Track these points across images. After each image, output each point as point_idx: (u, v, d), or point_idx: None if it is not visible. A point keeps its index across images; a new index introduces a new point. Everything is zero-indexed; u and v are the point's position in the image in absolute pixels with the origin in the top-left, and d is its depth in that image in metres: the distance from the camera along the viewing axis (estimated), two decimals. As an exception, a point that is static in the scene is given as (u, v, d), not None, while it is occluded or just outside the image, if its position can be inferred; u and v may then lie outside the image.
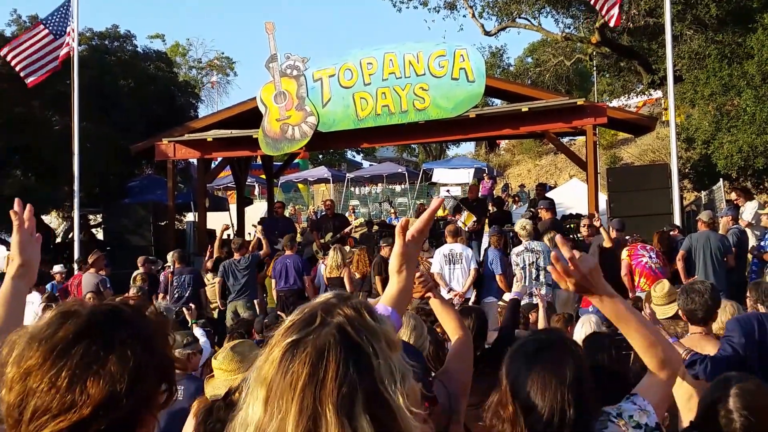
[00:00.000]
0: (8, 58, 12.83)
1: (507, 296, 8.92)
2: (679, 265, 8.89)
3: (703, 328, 3.95)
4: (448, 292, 9.15)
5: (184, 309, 7.85)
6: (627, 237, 9.33)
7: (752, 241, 10.01)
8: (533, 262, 9.05)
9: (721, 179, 13.81)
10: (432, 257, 10.30)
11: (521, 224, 9.73)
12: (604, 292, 1.80)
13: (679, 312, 4.14)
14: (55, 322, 1.21)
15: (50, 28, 13.05)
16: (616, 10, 11.77)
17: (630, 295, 8.38)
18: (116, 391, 1.16)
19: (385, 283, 9.43)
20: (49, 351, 1.17)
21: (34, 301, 10.79)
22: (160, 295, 10.29)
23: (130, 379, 1.17)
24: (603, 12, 12.05)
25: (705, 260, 8.83)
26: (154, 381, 1.23)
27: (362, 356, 1.13)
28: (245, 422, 1.15)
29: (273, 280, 10.19)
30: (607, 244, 9.25)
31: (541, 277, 8.98)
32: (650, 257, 8.62)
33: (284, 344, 1.15)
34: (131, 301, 1.32)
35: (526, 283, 9.07)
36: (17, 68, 12.84)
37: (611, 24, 12.89)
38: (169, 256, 10.84)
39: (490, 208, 14.88)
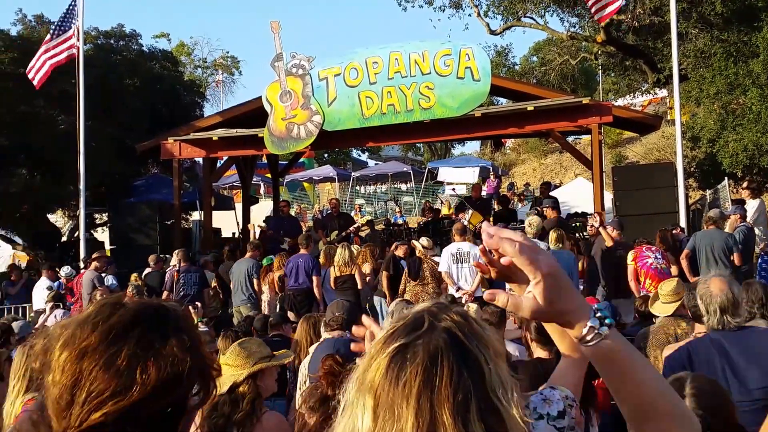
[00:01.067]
0: (28, 70, 13.06)
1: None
2: (683, 263, 8.87)
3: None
4: (457, 291, 9.17)
5: (190, 307, 7.89)
6: (633, 241, 9.29)
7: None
8: None
9: (726, 178, 13.79)
10: (437, 256, 10.31)
11: (528, 221, 9.73)
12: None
13: (686, 311, 4.13)
14: (105, 310, 1.22)
15: (54, 31, 13.13)
16: (609, 9, 11.79)
17: (636, 296, 8.38)
18: (177, 372, 1.18)
19: (390, 280, 9.49)
20: (106, 332, 1.17)
21: (42, 286, 10.85)
22: (164, 293, 10.33)
23: (184, 368, 1.19)
24: (594, 9, 12.06)
25: (708, 258, 8.81)
26: (197, 379, 1.24)
27: (474, 363, 1.08)
28: None
29: (285, 279, 10.17)
30: (608, 243, 9.25)
31: None
32: (656, 258, 8.60)
33: (391, 349, 1.09)
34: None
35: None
36: (30, 75, 13.01)
37: (596, 18, 12.88)
38: (174, 256, 10.89)
39: (495, 206, 14.90)
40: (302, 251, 10.25)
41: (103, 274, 10.64)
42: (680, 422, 1.24)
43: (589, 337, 1.20)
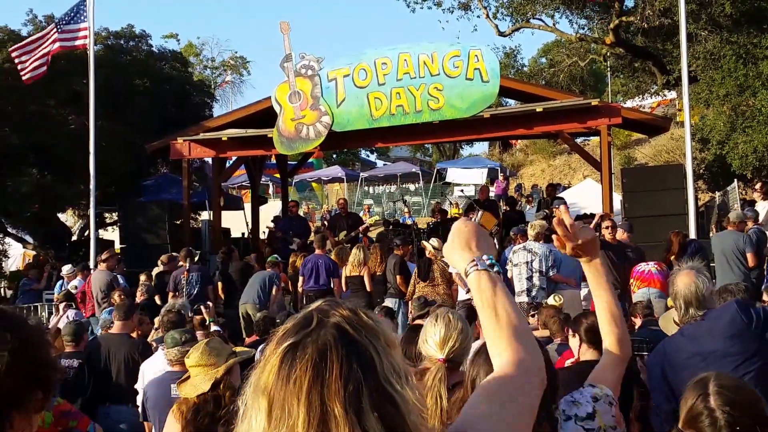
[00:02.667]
0: (14, 56, 12.95)
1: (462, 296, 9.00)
2: None
3: None
4: (467, 292, 9.16)
5: (202, 307, 7.92)
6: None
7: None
8: (527, 262, 8.98)
9: (735, 180, 13.75)
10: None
11: (532, 224, 9.74)
12: (595, 256, 2.02)
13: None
14: None
15: (57, 28, 13.19)
16: None
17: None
18: None
19: (406, 282, 9.50)
20: None
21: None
22: (169, 294, 10.37)
23: (7, 359, 1.19)
24: None
25: (720, 260, 8.81)
26: (30, 381, 1.23)
27: (364, 354, 1.11)
28: None
29: (300, 278, 10.17)
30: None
31: (535, 279, 8.90)
32: (648, 264, 8.56)
33: (281, 349, 1.12)
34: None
35: (515, 283, 9.05)
36: (18, 67, 12.97)
37: None
38: (181, 254, 10.92)
39: (503, 208, 14.90)
40: (318, 252, 10.29)
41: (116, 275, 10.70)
42: (523, 347, 1.40)
43: (468, 268, 1.49)
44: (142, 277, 10.50)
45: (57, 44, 13.01)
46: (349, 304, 1.21)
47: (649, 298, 7.12)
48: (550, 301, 7.76)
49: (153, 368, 5.23)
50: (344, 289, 9.93)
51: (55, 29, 13.12)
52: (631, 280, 8.45)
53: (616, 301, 2.03)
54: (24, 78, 12.94)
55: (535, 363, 1.39)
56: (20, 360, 1.21)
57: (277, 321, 7.36)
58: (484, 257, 1.50)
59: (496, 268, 1.50)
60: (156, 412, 4.69)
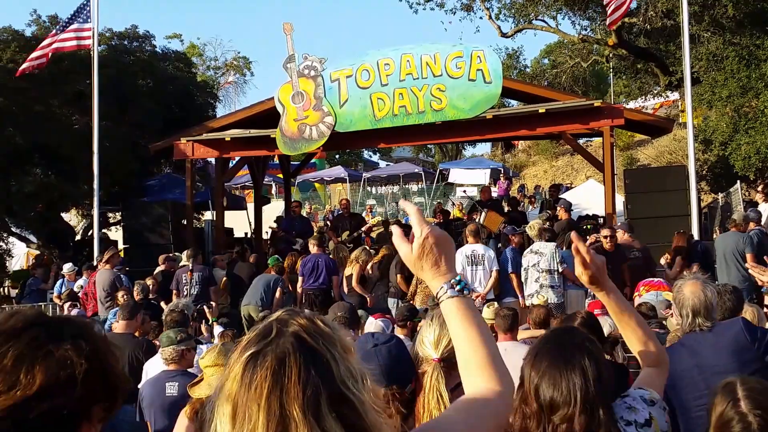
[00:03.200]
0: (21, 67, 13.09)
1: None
2: None
3: None
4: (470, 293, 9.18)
5: (204, 308, 7.96)
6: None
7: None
8: (535, 264, 9.04)
9: (738, 181, 13.76)
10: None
11: (530, 224, 9.77)
12: (610, 288, 1.98)
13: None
14: (5, 316, 1.25)
15: (59, 29, 13.25)
16: (618, 14, 11.80)
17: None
18: (69, 375, 1.18)
19: (407, 281, 9.51)
20: None
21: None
22: (174, 293, 10.41)
23: (79, 370, 1.19)
24: (610, 10, 12.05)
25: (721, 261, 8.82)
26: (100, 387, 1.24)
27: (321, 360, 1.18)
28: None
29: (300, 278, 10.17)
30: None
31: (542, 279, 8.93)
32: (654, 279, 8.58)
33: (244, 358, 1.18)
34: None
35: (526, 284, 9.09)
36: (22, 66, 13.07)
37: (608, 23, 12.91)
38: (185, 255, 10.96)
39: (505, 208, 14.91)
40: (317, 251, 10.27)
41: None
42: (497, 376, 1.46)
43: (439, 294, 1.52)
44: (150, 281, 10.49)
45: (60, 44, 13.06)
46: (308, 312, 1.28)
47: (658, 300, 7.12)
48: (535, 300, 7.80)
49: (156, 368, 5.26)
50: (345, 288, 9.96)
51: (57, 32, 13.18)
52: (641, 289, 8.46)
53: (641, 320, 2.02)
54: (18, 69, 13.02)
55: (508, 391, 1.48)
56: (92, 368, 1.21)
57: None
58: (452, 280, 1.51)
59: (466, 290, 1.52)
60: (151, 411, 4.72)
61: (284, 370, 1.15)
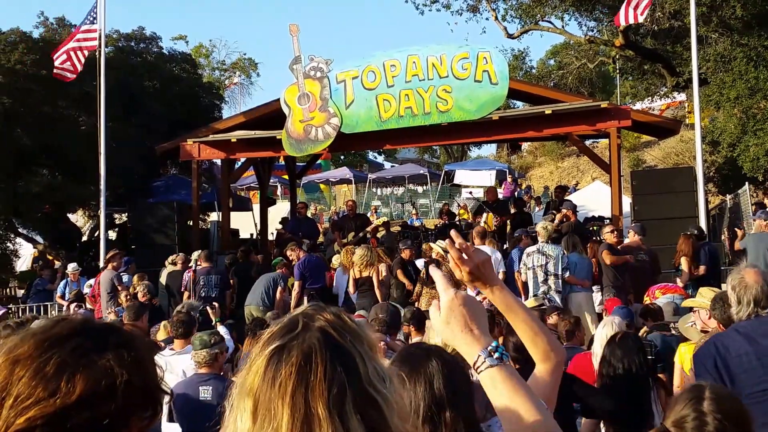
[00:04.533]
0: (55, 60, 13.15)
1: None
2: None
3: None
4: (476, 295, 9.13)
5: (207, 308, 7.95)
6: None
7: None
8: (542, 265, 8.98)
9: (747, 183, 13.69)
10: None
11: (542, 224, 9.70)
12: (494, 283, 1.79)
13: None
14: (50, 324, 1.24)
15: (81, 24, 13.31)
16: (638, 11, 11.67)
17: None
18: (110, 384, 1.16)
19: (407, 276, 9.49)
20: (42, 341, 1.18)
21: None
22: (185, 294, 10.41)
23: (119, 381, 1.17)
24: (630, 7, 11.83)
25: (758, 260, 8.76)
26: (140, 398, 1.22)
27: (348, 358, 1.14)
28: None
29: (297, 281, 10.17)
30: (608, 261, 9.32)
31: (549, 282, 8.90)
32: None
33: (268, 352, 1.15)
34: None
35: (530, 286, 9.03)
36: (58, 65, 13.12)
37: (622, 22, 12.73)
38: (194, 255, 10.95)
39: (511, 209, 14.87)
40: (303, 254, 10.38)
41: (121, 273, 10.76)
42: None
43: (477, 364, 1.44)
44: (135, 279, 10.46)
45: (86, 43, 13.13)
46: (334, 308, 1.24)
47: (675, 303, 7.11)
48: (529, 302, 7.76)
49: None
50: (353, 290, 9.94)
51: (75, 32, 13.24)
52: (653, 291, 8.43)
53: (532, 314, 1.88)
54: (71, 76, 13.12)
55: None
56: (133, 379, 1.19)
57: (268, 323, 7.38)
58: (491, 347, 1.44)
59: (505, 357, 1.45)
60: (183, 415, 4.68)
61: (310, 367, 1.11)
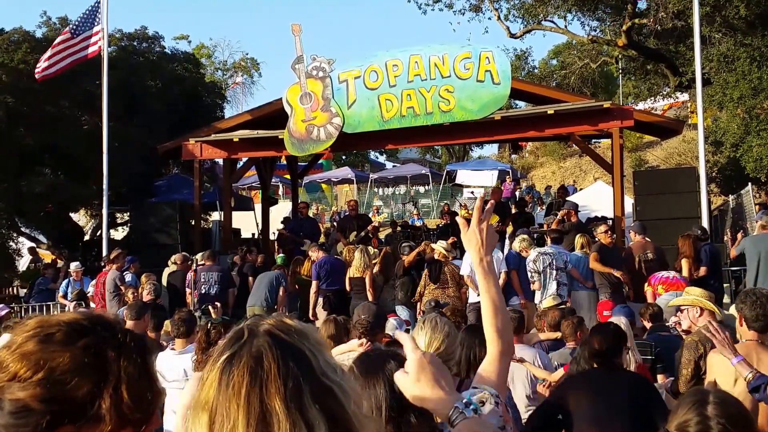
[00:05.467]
0: (39, 68, 13.10)
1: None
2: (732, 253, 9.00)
3: (760, 336, 3.83)
4: (478, 295, 9.14)
5: (210, 307, 7.95)
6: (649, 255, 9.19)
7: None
8: (549, 264, 9.09)
9: (749, 183, 13.66)
10: (457, 259, 10.28)
11: (518, 239, 9.85)
12: (488, 252, 1.93)
13: (738, 317, 4.03)
14: (50, 320, 1.26)
15: (72, 30, 13.27)
16: None
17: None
18: (90, 368, 1.19)
19: (405, 285, 9.50)
20: (46, 337, 1.21)
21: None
22: (188, 292, 10.42)
23: (136, 369, 1.22)
24: None
25: (761, 261, 8.73)
26: (143, 401, 1.25)
27: (299, 353, 1.17)
28: None
29: (314, 281, 10.13)
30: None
31: (559, 277, 9.05)
32: (669, 272, 8.52)
33: (219, 363, 1.17)
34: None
35: (545, 286, 9.06)
36: (37, 67, 13.09)
37: None
38: (199, 255, 10.96)
39: (512, 210, 14.86)
40: (322, 254, 10.33)
41: (124, 273, 10.77)
42: None
43: (453, 417, 1.47)
44: (143, 278, 10.47)
45: (74, 57, 13.10)
46: (275, 314, 1.31)
47: (666, 307, 7.10)
48: (546, 303, 7.79)
49: (160, 366, 5.24)
50: (348, 290, 9.98)
51: (71, 36, 13.19)
52: (655, 286, 8.42)
53: (500, 293, 1.94)
54: (37, 76, 13.04)
55: None
56: (140, 376, 1.24)
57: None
58: (465, 400, 1.50)
59: (478, 410, 1.51)
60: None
61: (262, 366, 1.13)
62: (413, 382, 1.51)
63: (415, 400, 1.53)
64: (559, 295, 8.54)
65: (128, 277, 10.77)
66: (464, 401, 1.48)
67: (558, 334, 6.20)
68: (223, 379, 1.14)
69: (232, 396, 1.12)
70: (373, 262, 10.29)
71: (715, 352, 3.99)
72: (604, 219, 13.57)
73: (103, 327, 1.26)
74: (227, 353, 1.17)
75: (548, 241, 9.96)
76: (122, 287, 10.05)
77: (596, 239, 9.80)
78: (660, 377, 5.51)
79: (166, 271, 11.28)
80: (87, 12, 13.40)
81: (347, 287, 9.99)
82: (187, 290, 10.40)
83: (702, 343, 4.38)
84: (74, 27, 13.37)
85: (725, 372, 3.64)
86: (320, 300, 9.95)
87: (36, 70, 13.07)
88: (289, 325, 1.22)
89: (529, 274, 9.27)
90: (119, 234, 17.93)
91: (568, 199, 13.71)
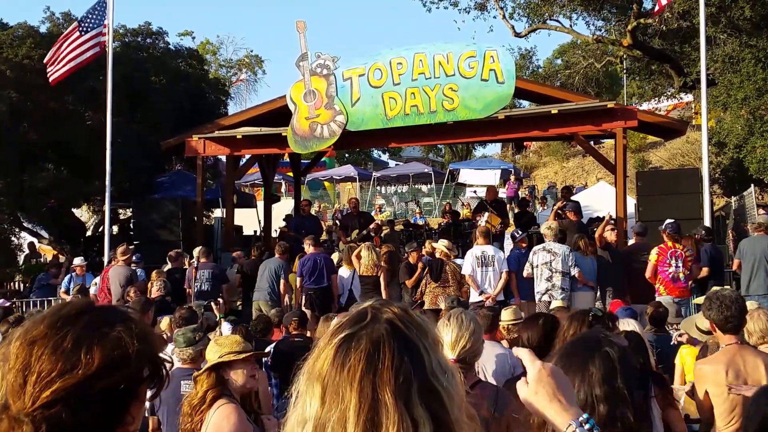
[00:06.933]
0: (47, 62, 13.12)
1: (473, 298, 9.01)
2: (735, 265, 8.97)
3: (737, 337, 3.78)
4: (480, 294, 9.13)
5: (212, 304, 7.96)
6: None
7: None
8: (547, 263, 8.97)
9: (752, 184, 13.63)
10: (458, 258, 10.27)
11: (547, 224, 9.68)
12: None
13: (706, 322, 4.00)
14: (56, 307, 1.34)
15: (81, 27, 13.26)
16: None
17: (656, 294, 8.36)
18: (124, 353, 1.26)
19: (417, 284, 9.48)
20: (54, 322, 1.28)
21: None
22: (188, 290, 10.43)
23: (132, 350, 1.27)
24: None
25: (755, 265, 8.73)
26: (148, 366, 1.31)
27: (414, 349, 1.18)
28: (303, 419, 1.19)
29: (298, 278, 10.11)
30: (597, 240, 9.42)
31: (554, 280, 8.88)
32: (676, 266, 8.52)
33: (337, 340, 1.20)
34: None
35: (536, 284, 9.01)
36: (48, 70, 13.10)
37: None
38: (195, 252, 11.00)
39: (515, 209, 14.85)
40: (314, 250, 10.17)
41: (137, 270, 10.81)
42: None
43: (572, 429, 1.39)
44: (154, 275, 10.52)
45: (85, 56, 13.10)
46: (400, 303, 1.30)
47: (677, 305, 7.14)
48: (551, 301, 7.77)
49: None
50: (335, 289, 9.92)
51: (78, 32, 13.17)
52: (657, 283, 8.44)
53: None
54: (50, 79, 13.08)
55: None
56: (142, 349, 1.29)
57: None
58: (582, 418, 1.42)
59: (596, 429, 1.43)
60: (164, 409, 4.71)
61: (378, 355, 1.15)
62: (532, 395, 1.46)
63: (534, 412, 1.49)
64: (549, 295, 8.54)
65: (139, 271, 10.83)
66: (581, 419, 1.43)
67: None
68: (338, 356, 1.17)
69: (347, 378, 1.15)
70: (384, 256, 10.25)
71: (703, 362, 3.96)
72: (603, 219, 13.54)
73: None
74: (347, 331, 1.20)
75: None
76: (133, 286, 9.95)
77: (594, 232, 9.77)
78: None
79: (165, 268, 11.29)
80: (94, 8, 13.40)
81: (334, 286, 9.89)
82: (187, 287, 10.40)
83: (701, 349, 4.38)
84: (82, 23, 13.36)
85: (715, 382, 3.62)
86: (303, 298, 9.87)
87: (48, 73, 13.09)
88: (411, 317, 1.24)
89: (527, 265, 9.21)
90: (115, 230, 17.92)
91: (571, 198, 13.70)
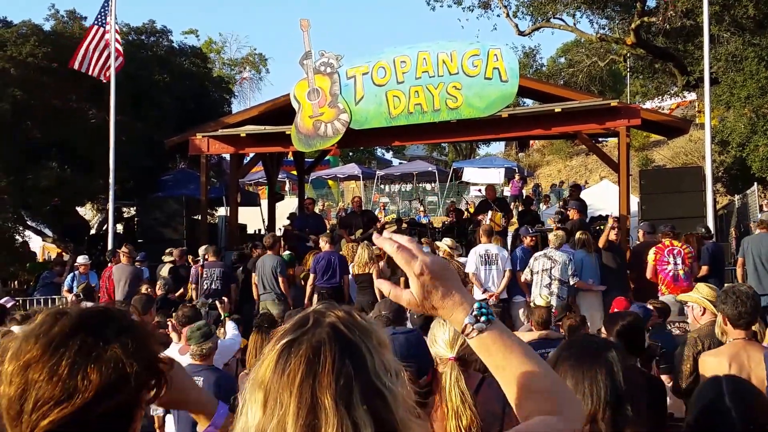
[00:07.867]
0: (75, 67, 13.30)
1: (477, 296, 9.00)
2: (739, 272, 8.93)
3: (746, 332, 3.80)
4: (483, 292, 9.15)
5: (217, 303, 7.98)
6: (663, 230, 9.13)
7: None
8: (547, 269, 8.98)
9: (755, 183, 13.62)
10: (462, 256, 10.28)
11: (555, 234, 9.69)
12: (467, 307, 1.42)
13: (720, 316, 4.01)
14: (48, 320, 1.28)
15: (96, 21, 13.39)
16: None
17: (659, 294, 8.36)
18: (122, 374, 1.24)
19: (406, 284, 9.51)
20: (48, 344, 1.23)
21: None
22: (191, 287, 10.45)
23: (130, 370, 1.25)
24: None
25: (756, 263, 8.74)
26: (146, 374, 1.29)
27: (356, 352, 1.17)
28: (246, 428, 1.18)
29: (311, 275, 10.11)
30: (601, 243, 9.40)
31: (553, 287, 8.88)
32: (675, 264, 8.53)
33: (279, 346, 1.19)
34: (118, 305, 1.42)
35: (533, 290, 9.00)
36: (90, 73, 13.31)
37: None
38: (201, 250, 11.00)
39: (519, 207, 14.85)
40: (329, 248, 10.21)
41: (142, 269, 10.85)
42: (555, 399, 1.37)
43: (467, 332, 1.37)
44: (162, 272, 10.56)
45: (100, 65, 13.32)
46: (345, 306, 1.28)
47: (680, 303, 7.12)
48: (539, 301, 7.77)
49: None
50: (346, 288, 9.95)
51: (99, 27, 13.31)
52: (659, 284, 8.45)
53: (540, 366, 1.41)
54: (105, 77, 13.28)
55: (570, 413, 1.38)
56: (140, 364, 1.27)
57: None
58: (475, 312, 1.35)
59: (492, 316, 1.37)
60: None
61: (318, 359, 1.15)
62: (422, 301, 1.36)
63: (428, 312, 1.39)
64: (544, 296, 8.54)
65: (146, 272, 10.88)
66: (474, 313, 1.35)
67: (545, 333, 6.16)
68: (279, 362, 1.17)
69: (287, 383, 1.14)
70: (377, 254, 10.25)
71: (708, 354, 3.98)
72: (607, 218, 13.54)
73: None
74: (288, 337, 1.19)
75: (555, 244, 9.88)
76: (145, 283, 9.97)
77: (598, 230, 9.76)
78: (664, 377, 5.51)
79: (165, 267, 11.30)
80: (103, 5, 13.49)
81: (346, 285, 9.92)
82: (191, 285, 10.42)
83: (701, 339, 4.37)
84: (97, 20, 13.47)
85: (717, 373, 3.65)
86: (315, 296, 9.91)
87: (97, 75, 13.27)
88: (354, 320, 1.23)
89: (527, 270, 9.24)
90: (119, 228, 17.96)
91: (579, 197, 13.73)
